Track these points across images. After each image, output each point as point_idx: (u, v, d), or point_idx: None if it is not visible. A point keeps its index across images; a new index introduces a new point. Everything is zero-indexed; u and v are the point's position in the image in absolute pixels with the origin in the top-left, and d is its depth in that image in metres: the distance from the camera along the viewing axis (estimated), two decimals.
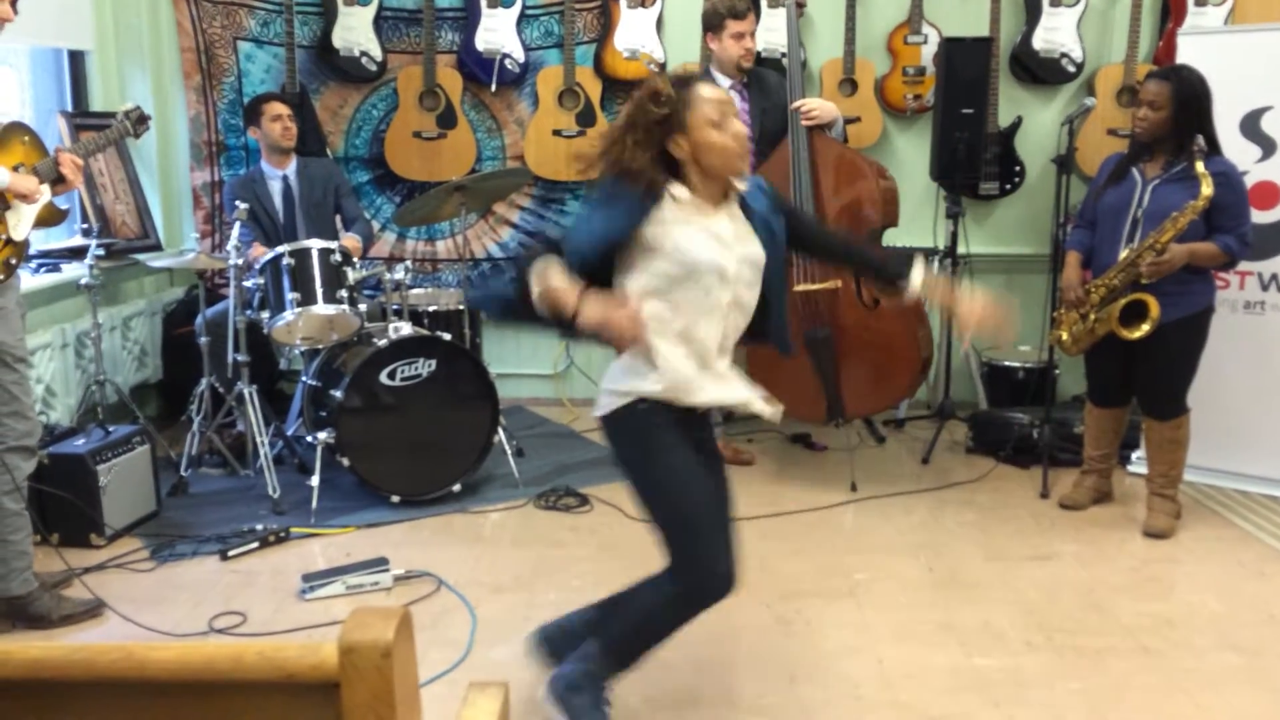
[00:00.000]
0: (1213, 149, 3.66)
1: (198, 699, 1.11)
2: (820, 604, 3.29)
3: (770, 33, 5.01)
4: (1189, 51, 4.18)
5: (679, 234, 2.33)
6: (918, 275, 2.53)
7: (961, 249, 4.90)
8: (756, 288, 2.44)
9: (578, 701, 2.49)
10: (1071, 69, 5.16)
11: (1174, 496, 3.92)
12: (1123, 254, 3.71)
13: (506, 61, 5.19)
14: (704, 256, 2.33)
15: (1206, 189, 3.54)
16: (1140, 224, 3.70)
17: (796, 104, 4.21)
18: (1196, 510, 4.09)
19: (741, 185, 2.44)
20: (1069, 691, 2.81)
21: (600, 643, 2.51)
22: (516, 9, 5.17)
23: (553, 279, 2.25)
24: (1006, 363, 5.13)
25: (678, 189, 2.35)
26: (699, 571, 2.36)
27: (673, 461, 2.38)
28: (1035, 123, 5.26)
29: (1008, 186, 5.28)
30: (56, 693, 1.12)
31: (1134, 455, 4.45)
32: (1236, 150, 3.99)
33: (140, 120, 3.55)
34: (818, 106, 4.21)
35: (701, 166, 2.35)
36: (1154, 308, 3.62)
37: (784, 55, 4.42)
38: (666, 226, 2.33)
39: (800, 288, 4.20)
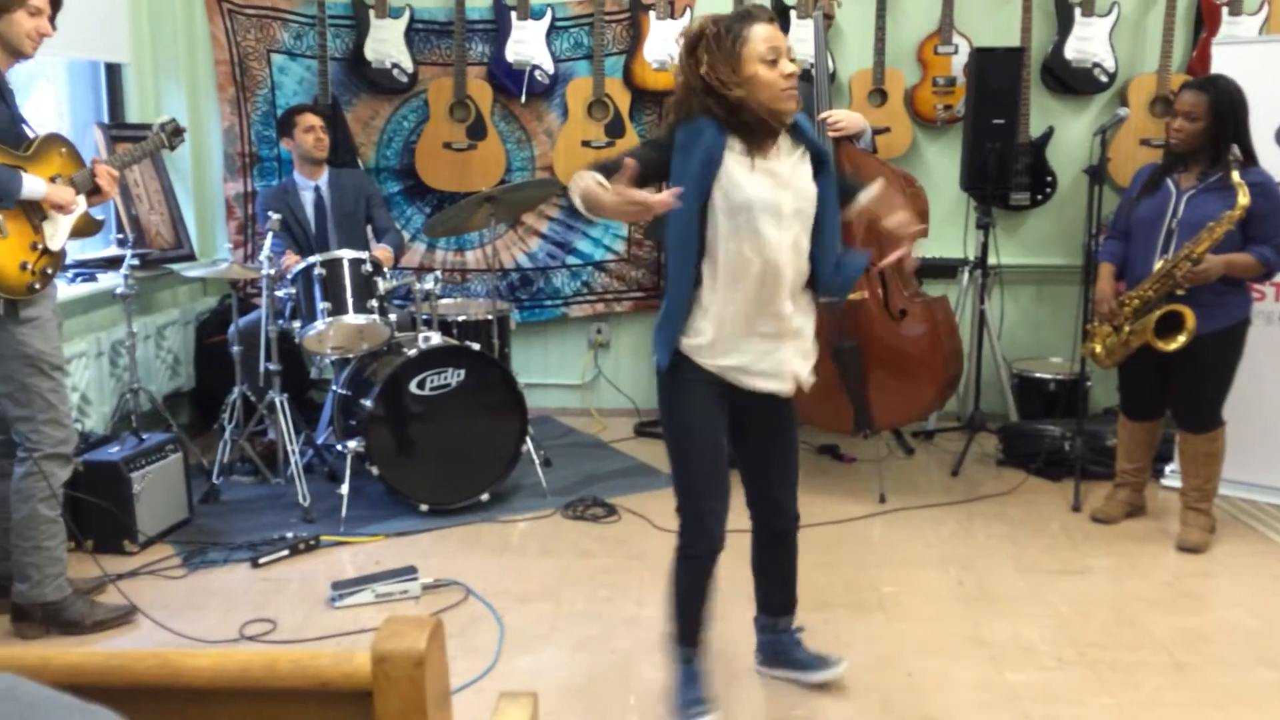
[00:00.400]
0: (1249, 159, 3.63)
1: (232, 706, 1.12)
2: (849, 616, 3.27)
3: (799, 43, 5.00)
4: (1223, 61, 4.14)
5: (736, 175, 2.42)
6: (863, 196, 2.67)
7: (992, 260, 4.87)
8: (810, 225, 2.52)
9: (683, 697, 2.68)
10: (1104, 79, 5.12)
11: (1208, 510, 3.87)
12: (1157, 265, 3.68)
13: (536, 73, 5.21)
14: (760, 196, 2.42)
15: (1243, 199, 3.51)
16: (1175, 235, 3.67)
17: (823, 115, 4.20)
18: (1231, 524, 4.04)
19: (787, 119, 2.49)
20: (1101, 707, 2.78)
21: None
22: (546, 21, 5.20)
23: (585, 184, 2.43)
24: (1037, 374, 5.10)
25: (733, 140, 2.44)
26: (686, 523, 2.59)
27: (689, 420, 2.54)
28: (1067, 133, 5.23)
29: (1039, 197, 5.25)
30: (93, 699, 1.13)
31: (1167, 468, 4.40)
32: (1272, 160, 3.94)
33: (175, 133, 3.59)
34: (844, 118, 4.20)
35: (751, 106, 2.40)
36: (1190, 319, 3.58)
37: (813, 66, 4.41)
38: (728, 171, 2.42)
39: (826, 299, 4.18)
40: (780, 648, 2.90)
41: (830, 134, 4.19)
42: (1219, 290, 3.62)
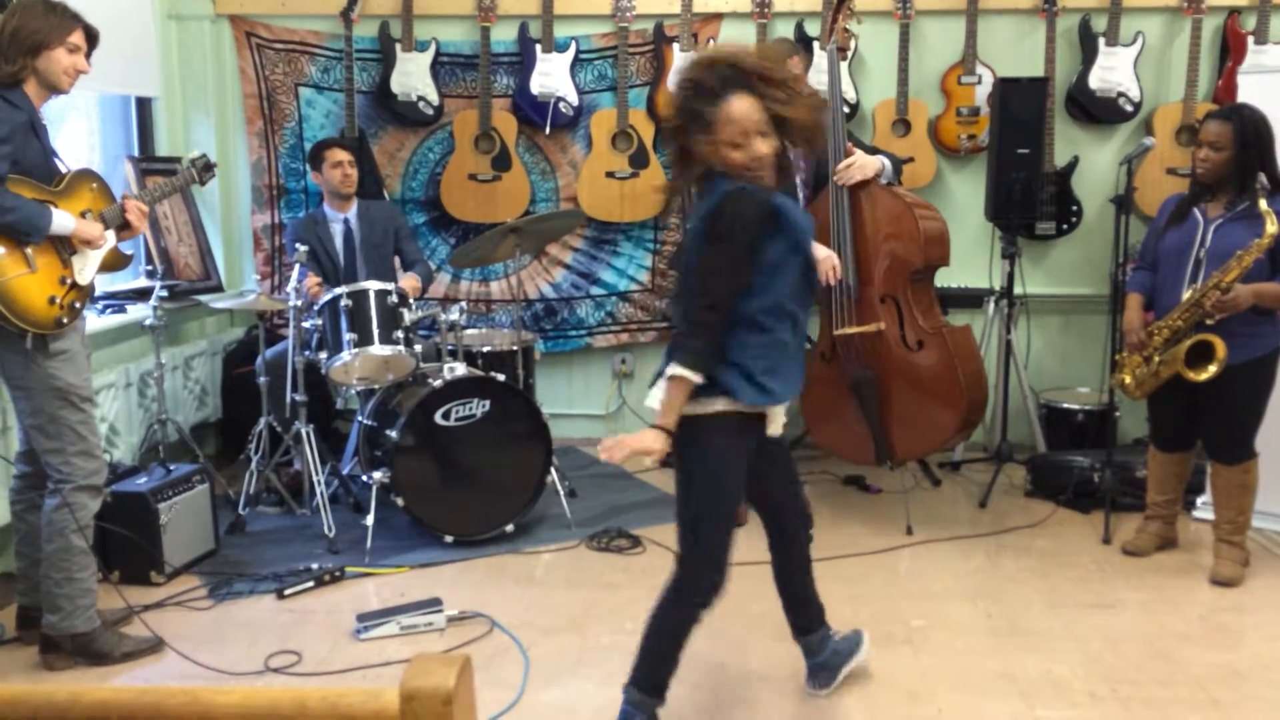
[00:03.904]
0: (1276, 187, 3.61)
1: None
2: (877, 651, 3.23)
3: (823, 74, 5.01)
4: (1250, 90, 4.12)
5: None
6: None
7: (1018, 290, 4.84)
8: None
9: None
10: (1129, 108, 5.11)
11: (1242, 543, 3.82)
12: (1186, 295, 3.65)
13: (561, 105, 5.25)
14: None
15: (1271, 226, 3.49)
16: (1203, 264, 3.65)
17: (836, 174, 4.17)
18: (1265, 557, 3.98)
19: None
20: None
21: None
22: (571, 53, 5.24)
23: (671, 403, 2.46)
24: (1065, 405, 5.05)
25: None
26: (701, 568, 2.64)
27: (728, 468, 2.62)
28: (1092, 162, 5.21)
29: (1065, 226, 5.23)
30: None
31: (1199, 500, 4.34)
32: None
33: (206, 168, 3.64)
34: (853, 166, 4.17)
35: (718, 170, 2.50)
36: (1220, 348, 3.55)
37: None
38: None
39: (842, 331, 4.18)
40: (834, 661, 2.98)
41: (838, 182, 4.17)
42: (1250, 320, 3.58)
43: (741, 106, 2.42)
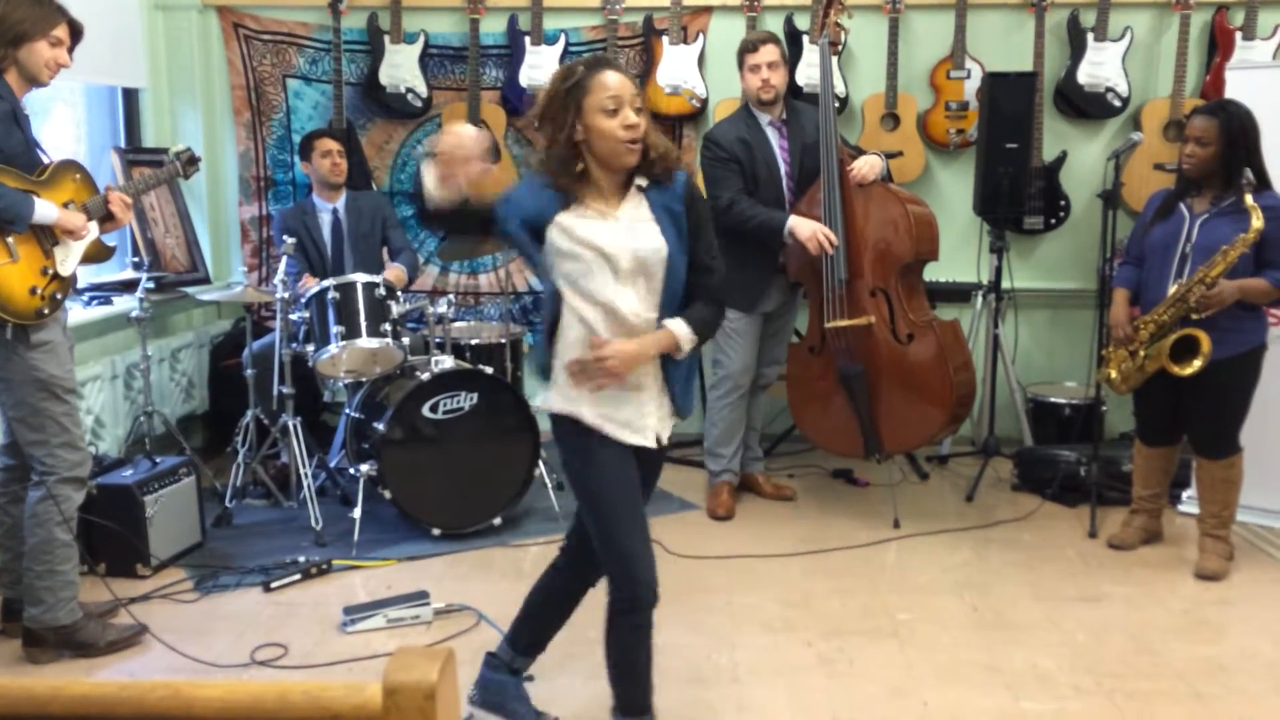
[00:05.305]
0: (1262, 183, 3.62)
1: None
2: (864, 643, 3.25)
3: (813, 68, 5.02)
4: (1237, 86, 4.13)
5: (577, 225, 2.41)
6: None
7: (1006, 284, 4.86)
8: (659, 282, 2.43)
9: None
10: (1117, 103, 5.12)
11: (1226, 537, 3.84)
12: (1171, 289, 3.66)
13: None
14: (601, 243, 2.38)
15: (1257, 221, 3.50)
16: (1189, 259, 3.66)
17: (849, 169, 4.18)
18: (1250, 552, 4.00)
19: (643, 181, 2.43)
20: None
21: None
22: (560, 46, 5.23)
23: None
24: (1052, 399, 5.07)
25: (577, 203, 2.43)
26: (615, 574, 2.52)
27: (598, 459, 2.45)
28: (1080, 157, 5.22)
29: (1052, 221, 5.24)
30: None
31: (1185, 494, 4.36)
32: None
33: (191, 161, 3.62)
34: (865, 168, 4.18)
35: (595, 154, 2.39)
36: (1205, 343, 3.56)
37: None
38: (570, 221, 2.41)
39: (832, 324, 4.18)
40: (511, 691, 2.79)
41: (855, 183, 4.18)
42: (1235, 315, 3.60)
43: (615, 76, 2.36)
